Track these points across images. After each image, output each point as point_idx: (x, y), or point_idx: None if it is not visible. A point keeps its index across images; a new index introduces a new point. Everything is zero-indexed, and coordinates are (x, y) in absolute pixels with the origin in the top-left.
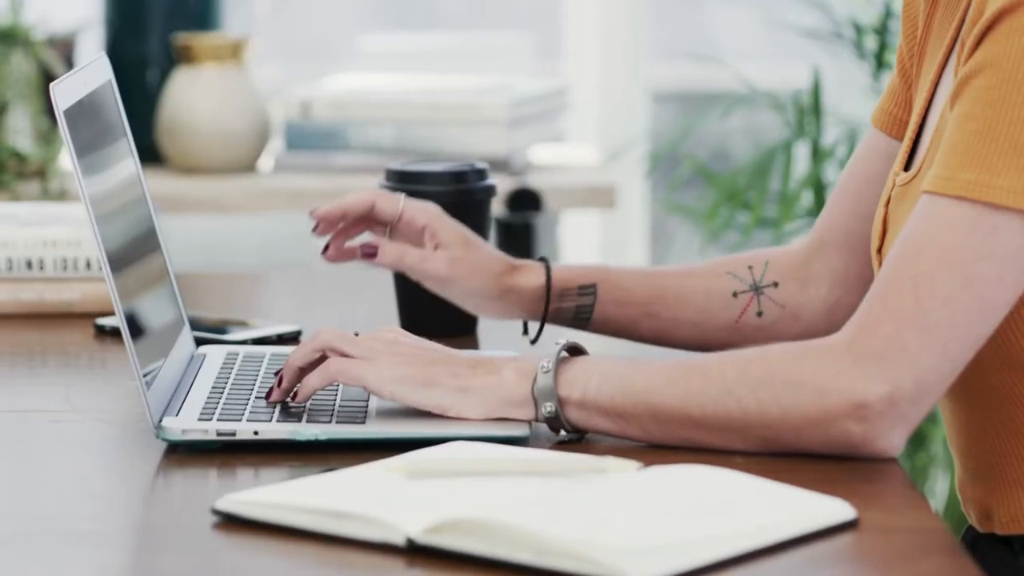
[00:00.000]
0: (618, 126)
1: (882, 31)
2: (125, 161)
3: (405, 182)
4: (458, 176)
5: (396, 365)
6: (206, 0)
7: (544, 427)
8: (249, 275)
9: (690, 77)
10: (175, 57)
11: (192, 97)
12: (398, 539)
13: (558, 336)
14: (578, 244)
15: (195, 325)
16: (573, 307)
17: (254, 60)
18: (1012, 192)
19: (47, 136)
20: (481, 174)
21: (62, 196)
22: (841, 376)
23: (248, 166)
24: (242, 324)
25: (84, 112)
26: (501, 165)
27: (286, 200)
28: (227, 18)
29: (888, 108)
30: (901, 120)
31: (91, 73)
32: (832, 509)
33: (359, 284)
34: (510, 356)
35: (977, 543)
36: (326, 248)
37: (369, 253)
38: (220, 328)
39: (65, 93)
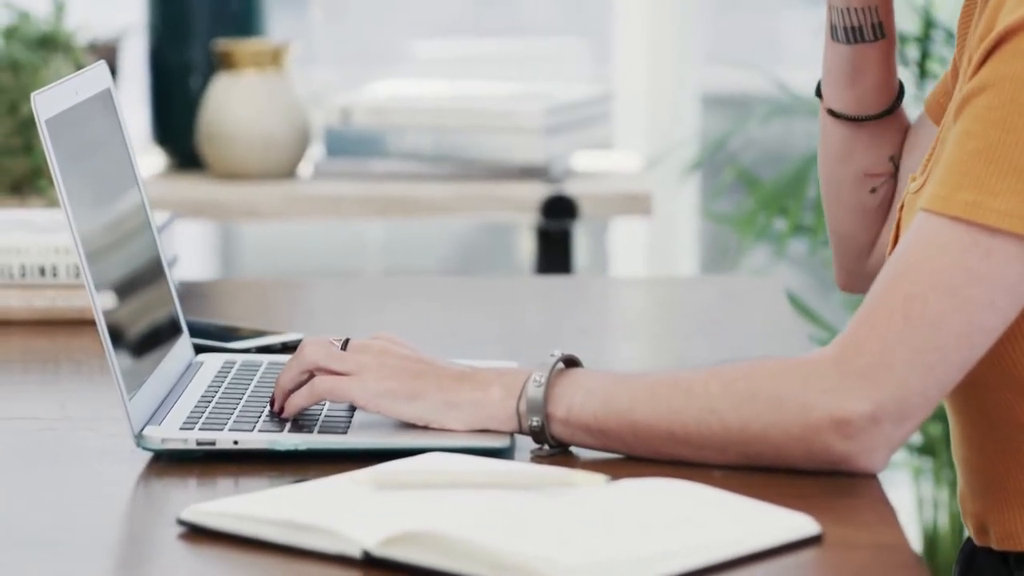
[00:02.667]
0: (667, 132)
1: (924, 39)
2: (123, 170)
3: None
4: None
5: (382, 379)
6: (249, 6)
7: (525, 438)
8: (291, 282)
9: (741, 83)
10: (215, 63)
11: (232, 103)
12: (354, 551)
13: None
14: (626, 250)
15: (229, 334)
16: (863, 9)
17: (307, 65)
18: (1009, 215)
19: None
20: None
21: None
22: (825, 393)
23: (288, 172)
24: (279, 335)
25: (73, 122)
26: (538, 172)
27: (325, 206)
28: (283, 23)
29: (939, 98)
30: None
31: (85, 81)
32: (796, 524)
33: (400, 292)
34: (499, 369)
35: (975, 557)
36: None
37: None
38: (257, 337)
39: (49, 102)
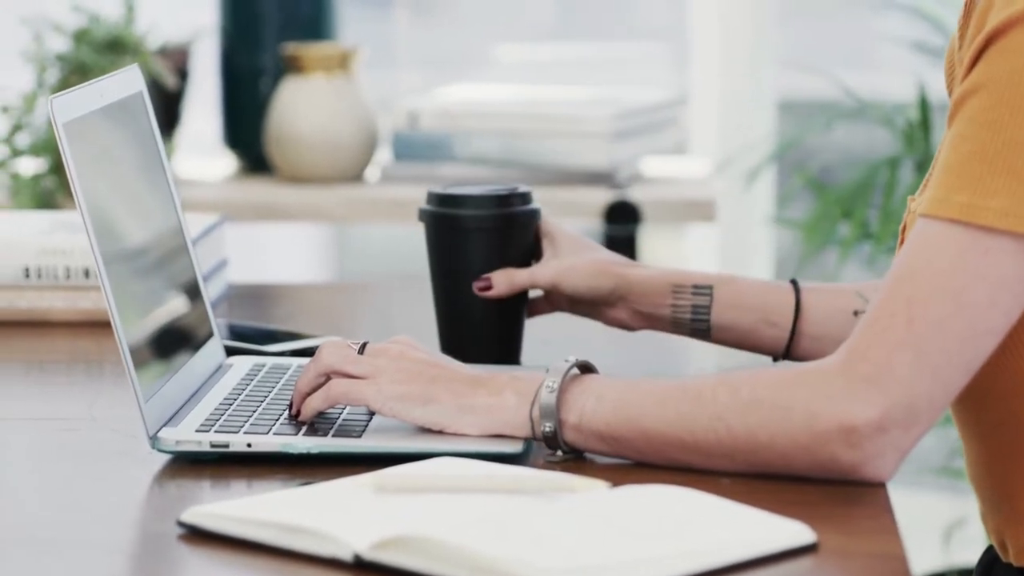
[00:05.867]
0: (743, 138)
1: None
2: (153, 173)
3: (446, 205)
4: (500, 199)
5: (397, 383)
6: (320, 10)
7: (540, 443)
8: (364, 284)
9: (819, 89)
10: (284, 67)
11: (299, 107)
12: (346, 555)
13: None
14: (701, 255)
15: (272, 338)
16: (689, 307)
17: (391, 69)
18: (1005, 215)
19: None
20: (524, 197)
21: None
22: (831, 400)
23: (355, 176)
24: (315, 338)
25: (96, 125)
26: (604, 177)
27: (391, 210)
28: (367, 27)
29: None
30: None
31: (112, 85)
32: (790, 532)
33: None
34: (514, 374)
35: (993, 569)
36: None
37: (484, 287)
38: (293, 340)
39: (68, 105)
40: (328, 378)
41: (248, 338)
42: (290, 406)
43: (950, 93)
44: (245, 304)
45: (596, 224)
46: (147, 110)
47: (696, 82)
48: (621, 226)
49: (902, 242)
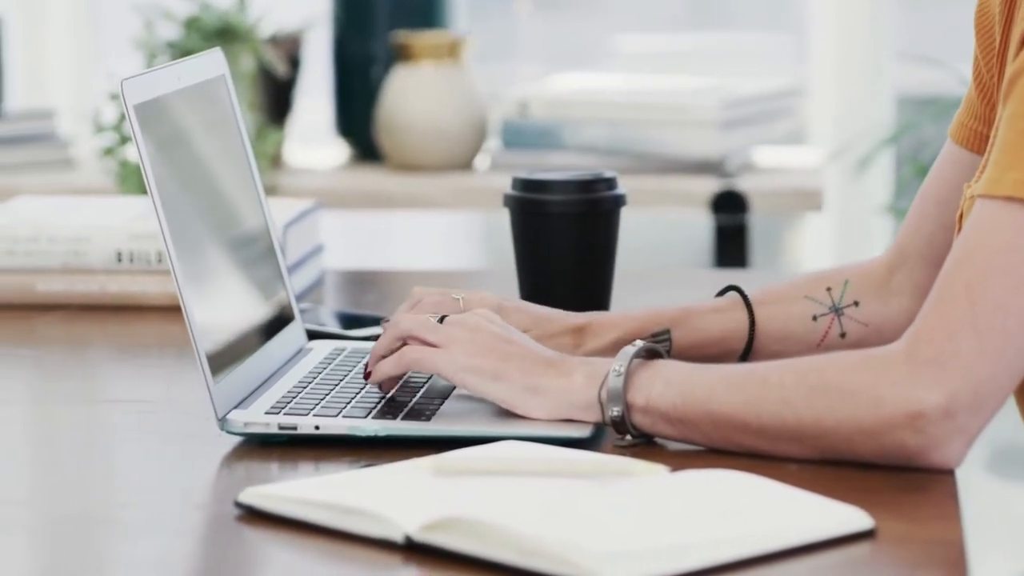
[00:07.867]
0: (859, 128)
1: None
2: (233, 157)
3: (530, 191)
4: (585, 185)
5: (470, 354)
6: None
7: (609, 429)
8: (459, 272)
9: (938, 80)
10: (395, 55)
11: (409, 95)
12: (397, 536)
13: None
14: (815, 245)
15: (368, 323)
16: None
17: (511, 59)
18: None
19: (259, 134)
20: (609, 183)
21: (273, 191)
22: (896, 386)
23: (465, 164)
24: None
25: (172, 108)
26: (713, 167)
27: (500, 199)
28: (489, 16)
29: (965, 121)
30: (979, 133)
31: (191, 68)
32: (848, 518)
33: None
34: (585, 358)
35: None
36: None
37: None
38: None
39: (141, 87)
40: (404, 344)
41: (355, 323)
42: (366, 367)
43: (991, 60)
44: (343, 290)
45: (703, 214)
46: (229, 94)
47: (815, 72)
48: (727, 215)
49: (959, 231)
